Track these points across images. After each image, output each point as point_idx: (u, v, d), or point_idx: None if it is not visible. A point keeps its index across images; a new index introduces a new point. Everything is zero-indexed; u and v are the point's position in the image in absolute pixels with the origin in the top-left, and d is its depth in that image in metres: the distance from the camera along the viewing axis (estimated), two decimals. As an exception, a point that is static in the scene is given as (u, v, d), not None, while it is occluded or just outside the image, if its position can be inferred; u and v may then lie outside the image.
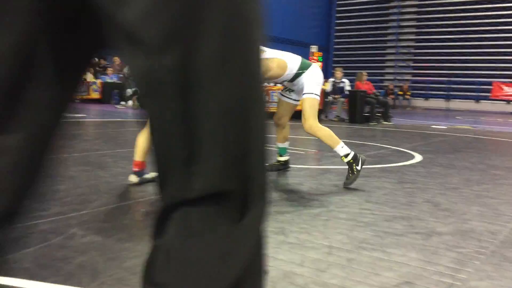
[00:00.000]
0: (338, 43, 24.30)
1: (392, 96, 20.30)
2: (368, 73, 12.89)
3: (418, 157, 5.52)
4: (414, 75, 22.80)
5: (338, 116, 11.90)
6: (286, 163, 4.28)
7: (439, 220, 2.83)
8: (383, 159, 5.34)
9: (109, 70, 15.36)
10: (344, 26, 24.15)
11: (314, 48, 14.58)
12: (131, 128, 8.31)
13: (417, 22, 22.75)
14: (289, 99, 4.10)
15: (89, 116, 9.60)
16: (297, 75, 3.83)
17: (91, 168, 4.08)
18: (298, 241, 2.32)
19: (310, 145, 6.85)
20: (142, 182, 3.43)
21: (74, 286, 1.72)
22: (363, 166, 3.68)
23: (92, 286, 1.73)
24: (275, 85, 10.51)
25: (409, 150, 6.17)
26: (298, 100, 4.06)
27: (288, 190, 3.47)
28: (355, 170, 3.61)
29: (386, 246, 2.30)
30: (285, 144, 4.25)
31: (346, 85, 11.99)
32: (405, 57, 22.92)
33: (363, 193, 3.47)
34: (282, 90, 4.14)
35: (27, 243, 2.16)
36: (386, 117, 11.59)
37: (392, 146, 6.65)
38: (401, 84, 21.80)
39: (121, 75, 14.98)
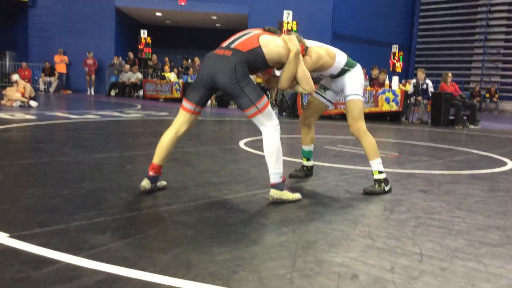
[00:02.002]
0: (421, 43, 23.36)
1: (478, 99, 19.21)
2: (453, 74, 12.29)
3: (510, 164, 5.18)
4: (503, 76, 21.41)
5: (420, 119, 11.46)
6: (311, 169, 3.95)
7: (539, 232, 2.64)
8: (472, 165, 5.07)
9: (191, 71, 15.87)
10: (428, 25, 23.17)
11: (395, 48, 14.15)
12: (211, 126, 8.54)
13: (507, 20, 21.32)
14: (322, 98, 3.74)
15: (171, 115, 9.98)
16: (342, 72, 3.50)
17: (178, 164, 4.25)
18: (386, 246, 2.28)
19: (390, 148, 6.66)
20: (153, 190, 3.14)
21: (171, 276, 1.80)
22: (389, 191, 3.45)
23: (187, 278, 1.80)
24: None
25: (499, 156, 5.81)
26: (331, 102, 3.76)
27: (372, 195, 3.40)
28: (382, 187, 3.40)
29: (482, 257, 2.19)
30: (311, 147, 3.91)
31: (430, 86, 11.52)
32: (493, 57, 21.57)
33: (453, 200, 3.32)
34: (317, 88, 3.77)
35: (126, 233, 2.30)
36: (473, 121, 10.99)
37: (481, 151, 6.30)
38: (488, 86, 20.57)
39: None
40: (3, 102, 10.17)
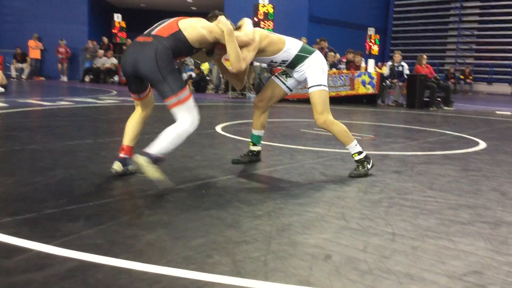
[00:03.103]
0: (397, 25, 23.51)
1: (453, 80, 19.48)
2: (428, 56, 12.41)
3: (482, 144, 5.30)
4: (477, 58, 21.74)
5: (396, 101, 11.58)
6: (257, 153, 3.81)
7: (507, 209, 2.72)
8: (445, 145, 5.17)
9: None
10: (404, 7, 23.30)
11: (371, 31, 14.19)
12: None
13: (481, 2, 21.60)
14: (282, 84, 3.59)
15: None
16: (298, 59, 3.37)
17: (153, 150, 4.20)
18: (359, 227, 2.31)
19: (366, 130, 6.73)
20: (126, 173, 3.15)
21: (144, 263, 1.79)
22: (371, 170, 3.46)
23: (161, 263, 1.80)
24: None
25: (472, 137, 5.93)
26: (291, 90, 3.62)
27: (346, 176, 3.43)
28: (365, 167, 3.41)
29: (452, 235, 2.24)
30: (261, 133, 3.78)
31: (405, 68, 11.62)
32: (467, 39, 21.86)
33: (426, 180, 3.38)
34: (278, 73, 3.65)
35: (99, 220, 2.28)
36: (447, 102, 11.16)
37: (454, 132, 6.42)
38: (462, 68, 20.87)
39: (178, 61, 15.27)
40: None
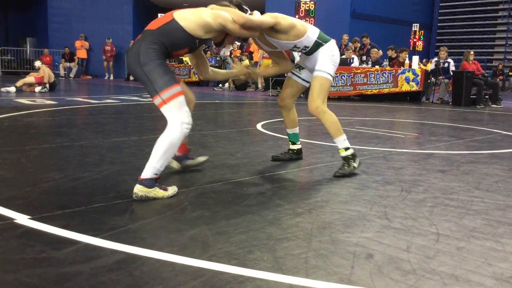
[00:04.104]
0: (443, 21, 22.84)
1: (502, 77, 18.76)
2: (475, 52, 12.01)
3: (533, 143, 5.08)
4: (528, 54, 20.88)
5: (441, 98, 11.28)
6: (298, 152, 3.80)
7: (560, 211, 2.60)
8: (492, 144, 4.99)
9: (208, 54, 15.85)
10: (450, 2, 22.61)
11: (416, 27, 13.85)
12: (229, 109, 8.56)
13: (533, -5, 20.71)
14: (298, 78, 3.58)
15: (190, 98, 10.02)
16: (316, 46, 3.33)
17: (195, 147, 4.27)
18: (403, 226, 2.27)
19: (410, 128, 6.59)
20: (185, 169, 3.24)
21: (187, 256, 1.83)
22: (356, 169, 3.36)
23: (203, 257, 1.83)
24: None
25: (522, 136, 5.70)
26: (308, 82, 3.58)
27: (389, 175, 3.38)
28: (352, 165, 3.31)
29: (500, 236, 2.17)
30: (295, 130, 3.75)
31: (451, 65, 11.29)
32: (518, 34, 21.01)
33: (472, 180, 3.28)
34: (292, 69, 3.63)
35: (144, 215, 2.34)
36: (495, 100, 10.77)
37: (502, 131, 6.18)
38: (511, 64, 20.06)
39: (218, 58, 15.42)
40: (18, 84, 10.30)
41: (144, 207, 2.47)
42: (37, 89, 10.29)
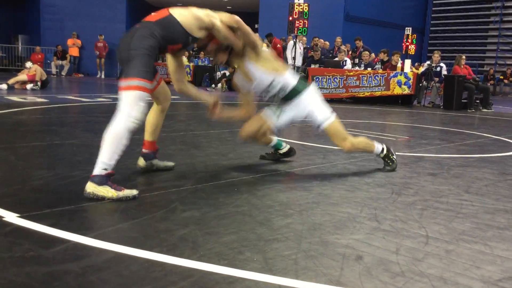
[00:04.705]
0: (435, 25, 23.00)
1: (493, 82, 18.92)
2: (467, 57, 12.11)
3: (522, 148, 5.13)
4: (518, 59, 21.06)
5: (432, 102, 11.35)
6: (286, 153, 3.77)
7: (548, 216, 2.63)
8: (482, 148, 5.03)
9: (201, 54, 15.83)
10: (442, 6, 22.78)
11: (408, 30, 13.94)
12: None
13: (524, 1, 20.91)
14: (274, 119, 3.38)
15: (182, 98, 9.98)
16: (296, 91, 3.25)
17: (187, 147, 4.27)
18: (392, 228, 2.28)
19: (401, 131, 6.62)
20: (152, 169, 3.20)
21: (177, 257, 1.83)
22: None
23: (193, 258, 1.83)
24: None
25: (511, 140, 5.76)
26: (279, 127, 3.43)
27: (380, 177, 3.40)
28: (391, 161, 3.60)
29: (488, 240, 2.18)
30: (273, 142, 3.67)
31: (443, 69, 11.36)
32: (508, 39, 21.18)
33: (462, 183, 3.30)
34: (271, 107, 3.44)
35: (134, 214, 2.33)
36: (486, 104, 10.85)
37: (493, 135, 6.24)
38: (503, 69, 20.23)
39: (211, 58, 15.39)
40: (10, 82, 10.22)
41: (134, 207, 2.46)
42: (29, 86, 10.22)
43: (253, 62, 3.21)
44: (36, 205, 2.39)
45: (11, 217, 2.18)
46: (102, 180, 2.52)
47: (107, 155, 2.55)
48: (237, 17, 2.99)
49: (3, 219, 2.16)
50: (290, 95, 3.29)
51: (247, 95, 3.43)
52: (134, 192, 2.57)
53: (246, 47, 3.16)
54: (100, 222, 2.17)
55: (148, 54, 2.62)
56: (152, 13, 2.85)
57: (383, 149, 3.57)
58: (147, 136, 3.22)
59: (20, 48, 18.99)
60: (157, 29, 2.68)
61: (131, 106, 2.56)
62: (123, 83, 2.58)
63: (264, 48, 3.32)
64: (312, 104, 3.31)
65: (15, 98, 8.17)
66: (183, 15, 2.79)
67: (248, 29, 3.07)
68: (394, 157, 3.60)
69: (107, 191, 2.50)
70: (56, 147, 4.00)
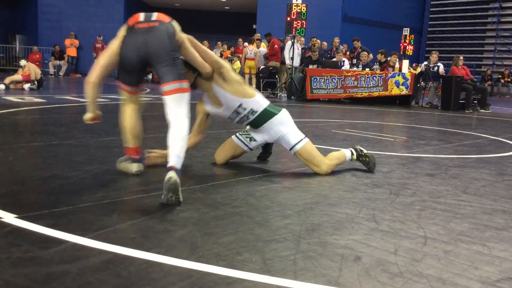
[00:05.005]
0: (433, 26, 23.04)
1: (490, 82, 18.97)
2: (465, 57, 12.14)
3: (520, 148, 5.14)
4: (516, 59, 21.12)
5: (430, 102, 11.37)
6: (268, 149, 3.78)
7: (545, 216, 2.63)
8: (480, 149, 5.04)
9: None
10: (440, 7, 22.82)
11: (406, 31, 13.95)
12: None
13: (522, 2, 20.96)
14: (244, 146, 3.50)
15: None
16: (267, 115, 3.29)
17: (185, 147, 4.26)
18: (391, 229, 2.28)
19: (399, 132, 6.63)
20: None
21: (175, 257, 1.83)
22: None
23: (192, 259, 1.83)
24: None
25: (508, 140, 5.77)
26: (252, 150, 3.54)
27: (378, 177, 3.40)
28: (367, 155, 3.57)
29: (486, 240, 2.19)
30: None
31: (441, 68, 11.39)
32: (506, 40, 21.24)
33: (460, 184, 3.31)
34: (241, 134, 3.53)
35: (132, 215, 2.33)
36: (484, 105, 10.88)
37: (490, 135, 6.25)
38: (501, 70, 20.28)
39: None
40: (6, 81, 10.21)
41: (132, 208, 2.46)
42: (26, 86, 10.20)
43: (220, 86, 3.20)
44: (34, 205, 2.38)
45: (9, 218, 2.17)
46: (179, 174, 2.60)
47: (182, 152, 2.65)
48: (191, 37, 3.04)
49: (1, 219, 2.15)
50: (261, 119, 3.31)
51: (204, 122, 3.46)
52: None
53: (214, 71, 3.17)
54: (98, 223, 2.17)
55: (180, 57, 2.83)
56: (157, 13, 2.90)
57: (352, 152, 3.56)
58: (132, 143, 3.11)
59: (17, 48, 18.95)
60: (173, 27, 2.81)
61: (187, 108, 2.80)
62: (174, 85, 2.73)
63: (232, 74, 3.26)
64: (285, 129, 3.35)
65: (12, 98, 8.15)
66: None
67: (206, 50, 3.12)
68: (365, 151, 3.58)
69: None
70: (54, 147, 3.99)
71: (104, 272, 1.67)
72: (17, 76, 10.36)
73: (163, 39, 2.73)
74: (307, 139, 3.38)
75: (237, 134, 3.56)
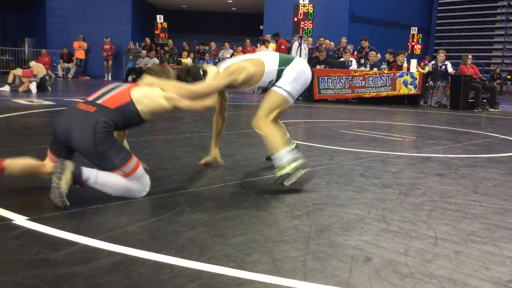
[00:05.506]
0: (441, 24, 22.89)
1: (499, 81, 18.81)
2: (473, 56, 12.05)
3: (530, 148, 5.09)
4: (525, 58, 20.92)
5: (439, 102, 11.30)
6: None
7: (557, 216, 2.61)
8: (490, 148, 5.00)
9: (207, 56, 15.86)
10: (448, 6, 22.68)
11: (414, 30, 13.87)
12: (229, 111, 8.54)
13: (531, -1, 20.78)
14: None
15: (188, 99, 10.02)
16: (279, 74, 3.11)
17: (194, 149, 4.28)
18: (401, 230, 2.27)
19: (408, 131, 6.60)
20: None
21: (185, 259, 1.83)
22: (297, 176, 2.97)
23: (201, 260, 1.83)
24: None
25: (520, 140, 5.72)
26: (294, 98, 3.29)
27: (387, 178, 3.39)
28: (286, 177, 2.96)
29: (497, 240, 2.17)
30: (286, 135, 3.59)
31: (449, 67, 11.31)
32: (515, 38, 21.07)
33: (470, 184, 3.28)
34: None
35: (142, 216, 2.34)
36: (493, 104, 10.79)
37: (500, 134, 6.20)
38: (509, 68, 20.10)
39: (217, 60, 15.43)
40: (10, 80, 10.34)
41: (142, 209, 2.47)
42: (32, 86, 10.20)
43: (234, 90, 3.18)
44: (44, 208, 2.40)
45: (20, 220, 2.19)
46: (77, 181, 2.49)
47: (103, 184, 2.55)
48: (193, 92, 2.88)
49: (13, 222, 2.17)
50: (278, 77, 3.14)
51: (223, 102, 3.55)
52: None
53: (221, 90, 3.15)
54: (108, 225, 2.18)
55: (114, 141, 2.56)
56: (115, 93, 2.68)
57: (284, 167, 2.96)
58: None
59: (26, 51, 19.09)
60: (114, 117, 2.56)
61: (140, 183, 2.62)
62: (119, 173, 2.54)
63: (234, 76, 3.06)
64: (285, 74, 3.11)
65: (21, 101, 8.21)
66: (143, 104, 2.65)
67: (208, 89, 2.95)
68: (286, 183, 2.96)
69: (66, 180, 2.42)
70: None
71: (114, 273, 1.68)
72: (18, 71, 10.49)
73: (85, 134, 2.48)
74: (284, 93, 3.07)
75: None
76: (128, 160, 2.56)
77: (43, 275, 1.65)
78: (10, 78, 10.39)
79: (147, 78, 2.88)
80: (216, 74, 3.08)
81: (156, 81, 2.85)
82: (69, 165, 2.44)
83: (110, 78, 18.50)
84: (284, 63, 3.13)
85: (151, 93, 2.72)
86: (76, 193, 2.70)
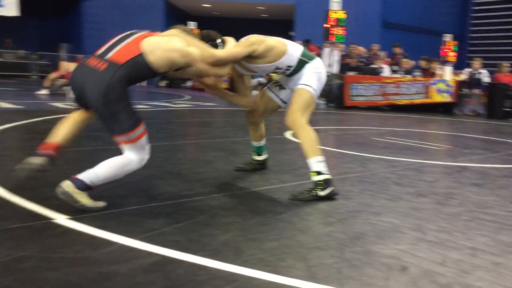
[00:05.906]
0: (475, 31, 22.42)
1: (537, 90, 18.26)
2: (510, 64, 11.74)
3: None
4: None
5: (474, 110, 11.06)
6: (263, 162, 3.64)
7: None
8: (528, 159, 4.86)
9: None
10: (483, 13, 22.20)
11: (447, 37, 13.63)
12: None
13: None
14: (276, 97, 3.36)
15: (219, 105, 10.10)
16: (300, 65, 3.06)
17: (226, 154, 4.32)
18: (437, 239, 2.24)
19: (443, 140, 6.48)
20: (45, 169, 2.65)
21: (220, 261, 1.85)
22: (327, 197, 2.86)
23: (236, 263, 1.85)
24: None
25: (560, 151, 5.53)
26: (285, 102, 3.33)
27: (422, 187, 3.34)
28: (315, 192, 2.85)
29: (539, 253, 2.11)
30: (261, 143, 3.57)
31: (485, 76, 11.07)
32: (554, 46, 20.44)
33: (508, 195, 3.20)
34: (271, 85, 3.41)
35: (177, 219, 2.37)
36: (530, 113, 10.49)
37: (539, 145, 6.02)
38: (548, 77, 19.51)
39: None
40: (46, 84, 10.85)
41: (177, 211, 2.50)
42: (60, 82, 10.76)
43: (250, 64, 3.05)
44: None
45: (62, 219, 2.26)
46: (86, 188, 2.45)
47: (102, 177, 2.52)
48: (213, 56, 2.69)
49: (54, 220, 2.24)
50: (296, 70, 3.10)
51: (243, 84, 3.32)
52: (101, 204, 2.49)
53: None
54: (145, 226, 2.22)
55: (128, 102, 2.50)
56: (124, 45, 2.51)
57: (321, 173, 2.89)
58: (56, 138, 2.83)
59: (63, 56, 19.64)
60: (126, 71, 2.43)
61: (140, 153, 2.55)
62: (120, 138, 2.49)
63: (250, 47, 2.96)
64: (305, 73, 3.08)
65: (59, 105, 8.46)
66: (154, 54, 2.47)
67: (228, 57, 2.81)
68: (322, 193, 2.87)
69: (82, 197, 2.42)
70: (101, 152, 4.12)
71: (153, 273, 1.71)
72: (53, 75, 10.98)
73: (97, 94, 2.39)
74: (312, 91, 3.04)
75: (268, 86, 3.45)
76: (137, 126, 2.49)
77: (84, 272, 1.70)
78: (47, 82, 10.78)
79: (172, 30, 2.71)
80: (236, 44, 3.00)
81: (183, 36, 2.64)
82: (69, 187, 2.39)
83: (144, 84, 18.84)
84: (306, 56, 3.10)
85: (165, 44, 2.51)
86: (114, 194, 2.76)
